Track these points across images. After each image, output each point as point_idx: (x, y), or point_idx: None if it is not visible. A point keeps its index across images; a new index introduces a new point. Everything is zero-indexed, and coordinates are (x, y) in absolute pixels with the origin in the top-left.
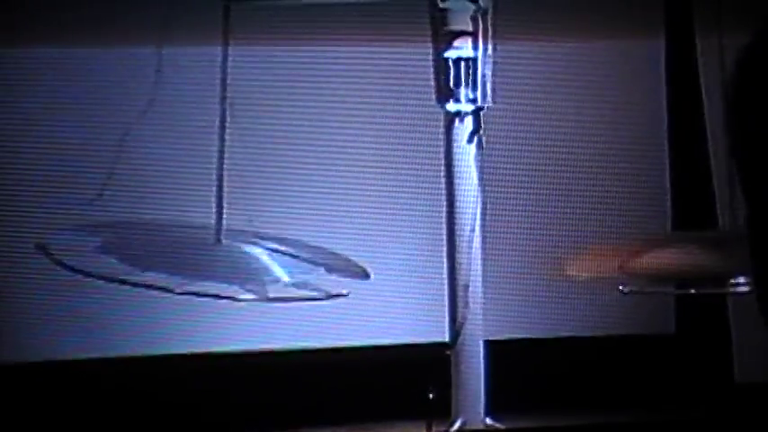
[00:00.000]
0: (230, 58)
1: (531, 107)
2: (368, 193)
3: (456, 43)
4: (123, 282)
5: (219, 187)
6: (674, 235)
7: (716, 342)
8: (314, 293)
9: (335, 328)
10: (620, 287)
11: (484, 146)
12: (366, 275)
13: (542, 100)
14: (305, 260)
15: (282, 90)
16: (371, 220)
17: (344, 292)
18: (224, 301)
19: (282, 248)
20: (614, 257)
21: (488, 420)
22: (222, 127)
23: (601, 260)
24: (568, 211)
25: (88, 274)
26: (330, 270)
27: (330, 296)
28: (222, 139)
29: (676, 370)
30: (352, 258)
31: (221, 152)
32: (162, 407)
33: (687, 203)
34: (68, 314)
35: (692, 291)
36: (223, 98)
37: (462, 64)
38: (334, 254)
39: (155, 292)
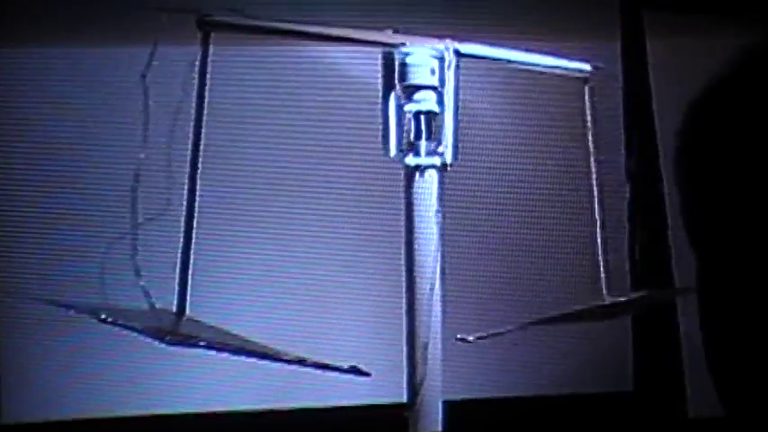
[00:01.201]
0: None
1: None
2: (324, 250)
3: (416, 97)
4: None
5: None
6: None
7: (672, 398)
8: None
9: (292, 389)
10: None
11: (444, 202)
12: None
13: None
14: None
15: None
16: (328, 278)
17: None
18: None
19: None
20: None
21: None
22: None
23: None
24: (529, 269)
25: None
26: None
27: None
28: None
29: (634, 427)
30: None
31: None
32: None
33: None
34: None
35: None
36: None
37: (423, 117)
38: None
39: None
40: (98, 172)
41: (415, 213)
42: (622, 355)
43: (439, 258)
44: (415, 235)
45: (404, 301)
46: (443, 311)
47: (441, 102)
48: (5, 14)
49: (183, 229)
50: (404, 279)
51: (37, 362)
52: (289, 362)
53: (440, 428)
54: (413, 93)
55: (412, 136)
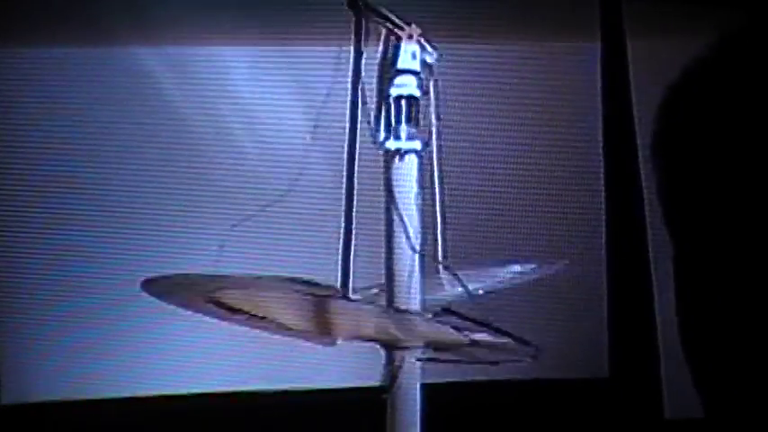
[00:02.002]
0: None
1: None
2: (303, 234)
3: (397, 81)
4: None
5: None
6: None
7: (648, 385)
8: None
9: (269, 372)
10: None
11: (425, 186)
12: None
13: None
14: None
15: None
16: (306, 261)
17: None
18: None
19: None
20: None
21: None
22: None
23: None
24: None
25: None
26: None
27: None
28: None
29: (610, 413)
30: None
31: None
32: None
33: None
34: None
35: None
36: None
37: (404, 102)
38: None
39: None
40: (98, 172)
41: (395, 198)
42: (599, 341)
43: (419, 243)
44: (395, 219)
45: (385, 285)
46: (422, 296)
47: (421, 86)
48: (5, 15)
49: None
50: (385, 266)
51: (34, 343)
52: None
53: (418, 411)
54: (394, 77)
55: (392, 120)
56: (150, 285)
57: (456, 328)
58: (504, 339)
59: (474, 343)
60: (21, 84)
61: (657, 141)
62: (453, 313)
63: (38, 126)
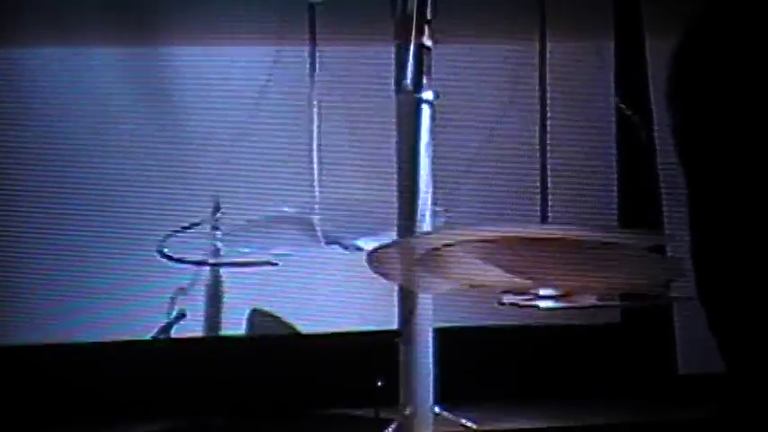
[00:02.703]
0: None
1: (481, 103)
2: (321, 179)
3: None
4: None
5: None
6: None
7: (660, 331)
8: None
9: (285, 314)
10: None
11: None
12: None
13: (492, 97)
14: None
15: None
16: (324, 206)
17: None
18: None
19: None
20: None
21: (437, 408)
22: None
23: None
24: (519, 202)
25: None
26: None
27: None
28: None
29: (622, 359)
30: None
31: None
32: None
33: (634, 205)
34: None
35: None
36: None
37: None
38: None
39: None
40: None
41: (407, 146)
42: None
43: (431, 190)
44: (408, 167)
45: (396, 229)
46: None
47: (434, 35)
48: (5, 15)
49: None
50: (397, 210)
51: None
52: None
53: (431, 355)
54: (407, 28)
55: (409, 71)
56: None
57: None
58: None
59: None
60: (21, 84)
61: (673, 84)
62: None
63: (37, 126)
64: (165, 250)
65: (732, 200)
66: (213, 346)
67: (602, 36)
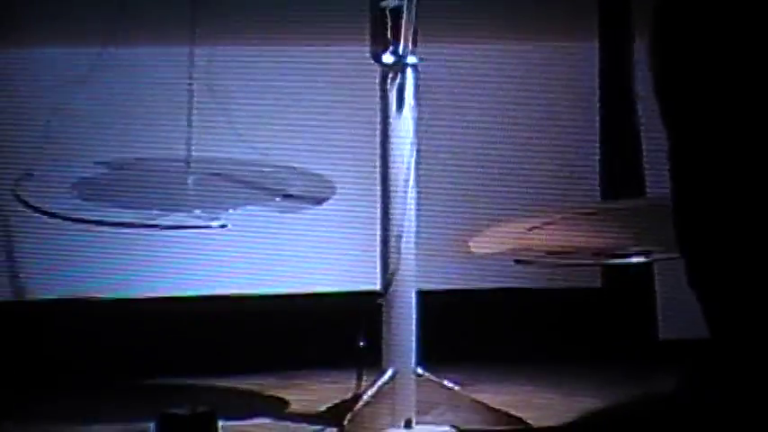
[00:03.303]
0: None
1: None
2: (303, 140)
3: None
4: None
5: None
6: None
7: (641, 296)
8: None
9: (266, 275)
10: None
11: (420, 98)
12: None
13: (478, 90)
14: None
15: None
16: (308, 168)
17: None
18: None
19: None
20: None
21: (419, 370)
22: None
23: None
24: (501, 166)
25: (65, 218)
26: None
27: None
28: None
29: (603, 323)
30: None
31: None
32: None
33: (616, 181)
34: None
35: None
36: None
37: (398, 15)
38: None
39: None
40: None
41: (391, 111)
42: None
43: (414, 152)
44: (391, 132)
45: (379, 193)
46: (417, 203)
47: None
48: (5, 15)
49: None
50: (379, 173)
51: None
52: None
53: (414, 317)
54: None
55: (388, 34)
56: None
57: None
58: None
59: None
60: (21, 83)
61: (654, 38)
62: None
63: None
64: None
65: (713, 152)
66: (191, 306)
67: (586, 36)
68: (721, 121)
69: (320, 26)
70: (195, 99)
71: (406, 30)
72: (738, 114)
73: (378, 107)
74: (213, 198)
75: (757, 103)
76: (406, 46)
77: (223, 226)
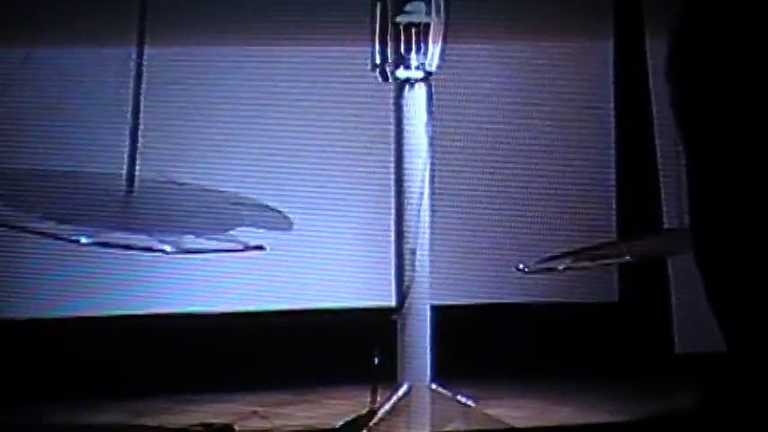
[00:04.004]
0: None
1: (484, 98)
2: (318, 157)
3: (407, 8)
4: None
5: (134, 135)
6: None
7: (657, 311)
8: (231, 245)
9: (281, 291)
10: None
11: (434, 112)
12: (289, 226)
13: (492, 96)
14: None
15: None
16: (322, 185)
17: (262, 244)
18: (152, 257)
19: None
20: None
21: (434, 386)
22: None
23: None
24: (517, 181)
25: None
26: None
27: (248, 248)
28: (137, 90)
29: (619, 337)
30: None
31: (136, 100)
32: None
33: (633, 203)
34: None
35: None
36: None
37: (413, 30)
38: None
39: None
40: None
41: (405, 126)
42: (608, 267)
43: (428, 167)
44: (405, 146)
45: (393, 208)
46: (432, 219)
47: (430, 13)
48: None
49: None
50: (393, 188)
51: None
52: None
53: (428, 333)
54: (403, 4)
55: (402, 49)
56: None
57: None
58: None
59: None
60: (21, 84)
61: (673, 55)
62: None
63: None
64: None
65: (732, 169)
66: (205, 322)
67: (601, 36)
68: (742, 139)
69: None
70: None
71: (433, 43)
72: (760, 131)
73: (390, 119)
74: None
75: None
76: (428, 61)
77: (260, 248)
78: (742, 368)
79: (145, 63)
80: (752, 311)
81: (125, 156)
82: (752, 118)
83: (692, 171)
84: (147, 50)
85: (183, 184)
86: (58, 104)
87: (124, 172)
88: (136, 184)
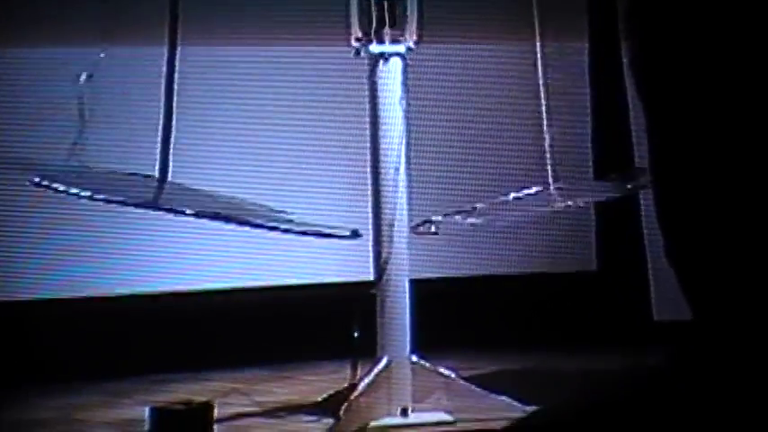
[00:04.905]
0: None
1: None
2: (294, 134)
3: None
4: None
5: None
6: None
7: (635, 279)
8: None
9: (261, 268)
10: None
11: (409, 86)
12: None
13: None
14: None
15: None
16: (299, 161)
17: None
18: (146, 242)
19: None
20: None
21: (414, 357)
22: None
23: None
24: (492, 151)
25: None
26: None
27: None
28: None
29: (598, 306)
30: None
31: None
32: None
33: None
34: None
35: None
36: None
37: (386, 4)
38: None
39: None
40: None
41: (380, 100)
42: (586, 237)
43: (404, 142)
44: (380, 121)
45: (369, 183)
46: (408, 193)
47: None
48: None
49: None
50: (369, 163)
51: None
52: (283, 230)
53: (407, 306)
54: None
55: (375, 24)
56: None
57: None
58: None
59: None
60: (21, 83)
61: (631, 11)
62: None
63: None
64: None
65: (695, 128)
66: (187, 300)
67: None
68: (702, 95)
69: (296, 21)
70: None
71: (410, 18)
72: (719, 88)
73: (365, 98)
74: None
75: (740, 84)
76: (401, 34)
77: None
78: (705, 329)
79: (145, 62)
80: (715, 271)
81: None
82: (716, 73)
83: (651, 131)
84: (147, 51)
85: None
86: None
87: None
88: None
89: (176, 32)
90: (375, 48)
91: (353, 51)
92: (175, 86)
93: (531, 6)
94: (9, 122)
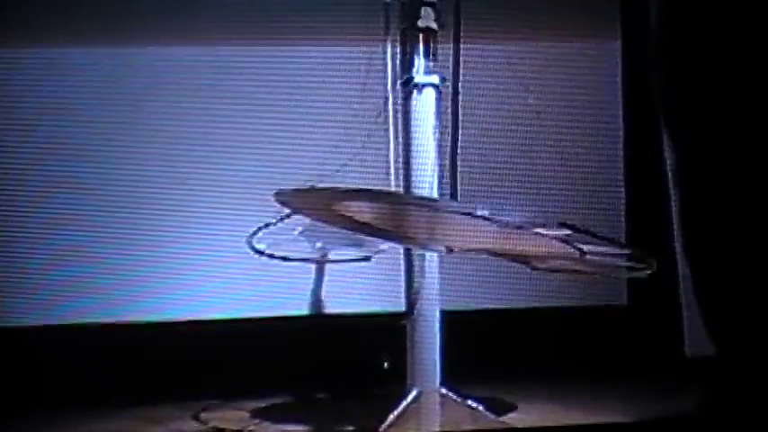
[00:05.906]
0: None
1: (497, 97)
2: (327, 163)
3: (420, 14)
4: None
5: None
6: None
7: (667, 314)
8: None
9: (292, 298)
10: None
11: (442, 118)
12: None
13: (505, 95)
14: None
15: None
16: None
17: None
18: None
19: None
20: None
21: (443, 390)
22: None
23: None
24: (528, 184)
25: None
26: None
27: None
28: None
29: (629, 341)
30: None
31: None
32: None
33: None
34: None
35: None
36: None
37: (421, 35)
38: None
39: None
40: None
41: (413, 130)
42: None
43: (437, 171)
44: (414, 150)
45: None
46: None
47: (439, 19)
48: (5, 16)
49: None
50: (402, 192)
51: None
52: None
53: (438, 337)
54: (413, 11)
55: (414, 53)
56: (280, 195)
57: (566, 242)
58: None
59: (583, 255)
60: (20, 84)
61: (658, 45)
62: (571, 227)
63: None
64: (259, 246)
65: (717, 158)
66: (213, 328)
67: (608, 36)
68: (726, 127)
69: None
70: None
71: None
72: (741, 121)
73: (391, 122)
74: None
75: (759, 110)
76: (430, 63)
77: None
78: (735, 370)
79: (144, 63)
80: (737, 298)
81: None
82: (735, 106)
83: (677, 162)
84: (146, 50)
85: None
86: None
87: None
88: None
89: None
90: (420, 78)
91: (390, 83)
92: None
93: None
94: (9, 122)
